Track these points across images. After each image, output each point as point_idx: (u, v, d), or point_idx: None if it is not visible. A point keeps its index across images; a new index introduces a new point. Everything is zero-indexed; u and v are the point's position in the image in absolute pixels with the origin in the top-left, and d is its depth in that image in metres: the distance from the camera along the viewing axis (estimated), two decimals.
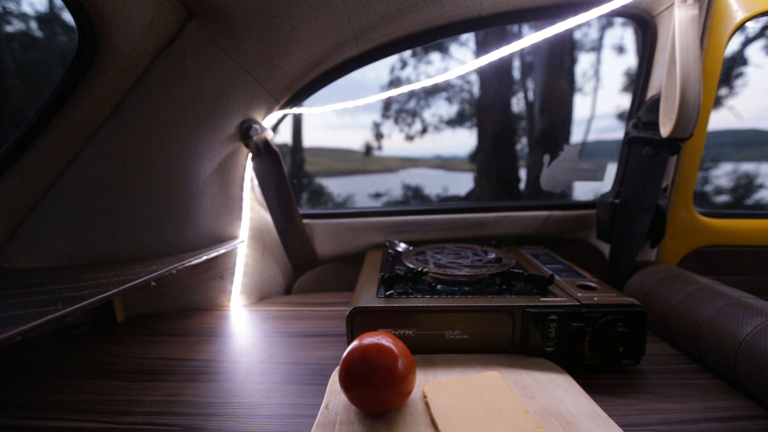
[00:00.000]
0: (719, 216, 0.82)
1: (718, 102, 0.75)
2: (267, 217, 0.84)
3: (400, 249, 0.78)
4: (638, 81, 0.78)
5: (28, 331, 0.34)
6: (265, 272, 0.84)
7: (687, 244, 0.82)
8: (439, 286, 0.60)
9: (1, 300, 0.44)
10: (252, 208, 0.82)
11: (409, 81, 0.78)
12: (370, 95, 0.79)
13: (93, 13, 0.54)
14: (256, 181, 0.82)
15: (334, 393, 0.44)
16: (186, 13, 0.61)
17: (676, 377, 0.50)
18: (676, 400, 0.45)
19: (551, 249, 0.84)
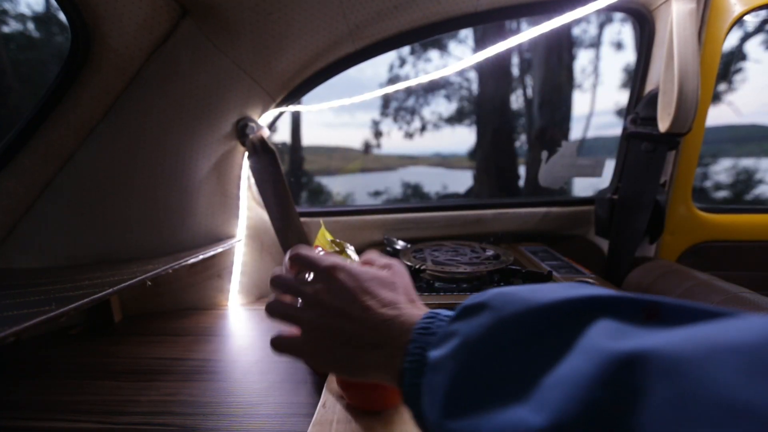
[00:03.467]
0: (718, 211, 0.81)
1: (717, 97, 0.75)
2: (264, 215, 0.84)
3: (398, 247, 0.77)
4: (636, 76, 0.77)
5: (22, 332, 0.33)
6: (263, 271, 0.84)
7: (686, 239, 0.82)
8: (437, 284, 0.59)
9: None
10: (249, 207, 0.81)
11: (407, 79, 0.78)
12: (367, 93, 0.78)
13: (86, 12, 0.53)
14: (252, 180, 0.81)
15: (331, 391, 0.44)
16: (180, 11, 0.60)
17: None
18: None
19: (549, 246, 0.84)
